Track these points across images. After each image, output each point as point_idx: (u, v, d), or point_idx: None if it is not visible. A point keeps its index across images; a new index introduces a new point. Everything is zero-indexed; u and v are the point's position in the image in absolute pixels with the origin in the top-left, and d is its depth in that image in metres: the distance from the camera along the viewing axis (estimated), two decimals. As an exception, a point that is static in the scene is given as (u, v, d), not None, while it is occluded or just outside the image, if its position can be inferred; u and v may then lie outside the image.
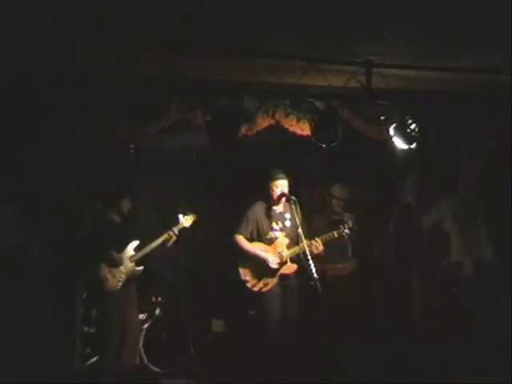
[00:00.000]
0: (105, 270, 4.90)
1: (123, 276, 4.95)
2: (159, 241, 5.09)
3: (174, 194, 6.50)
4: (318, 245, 4.88)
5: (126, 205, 5.10)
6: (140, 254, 5.06)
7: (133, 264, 5.03)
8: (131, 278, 5.04)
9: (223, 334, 6.31)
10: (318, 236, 4.94)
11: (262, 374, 4.90)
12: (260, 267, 4.97)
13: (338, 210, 5.71)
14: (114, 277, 4.92)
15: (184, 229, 5.20)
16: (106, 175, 5.45)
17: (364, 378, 4.75)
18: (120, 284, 4.93)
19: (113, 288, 4.90)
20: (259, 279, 4.97)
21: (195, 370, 5.58)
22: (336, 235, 5.03)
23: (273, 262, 4.93)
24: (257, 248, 5.01)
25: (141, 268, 5.09)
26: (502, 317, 5.09)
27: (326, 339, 5.44)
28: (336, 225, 5.16)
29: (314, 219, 5.54)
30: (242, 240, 5.03)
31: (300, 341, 5.12)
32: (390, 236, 5.89)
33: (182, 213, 5.25)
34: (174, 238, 5.10)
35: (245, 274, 5.01)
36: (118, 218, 5.10)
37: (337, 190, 5.74)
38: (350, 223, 5.06)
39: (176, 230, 5.12)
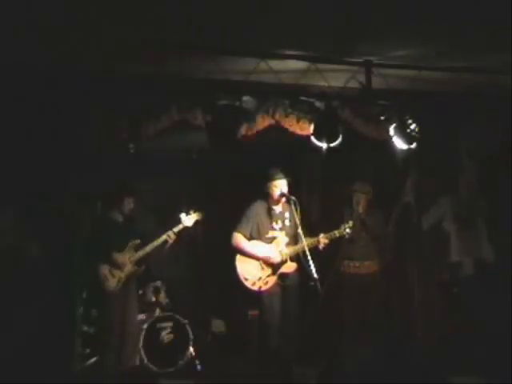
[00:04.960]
0: (105, 270, 4.90)
1: (123, 276, 4.95)
2: (160, 240, 5.09)
3: (175, 194, 6.50)
4: (325, 240, 4.92)
5: (128, 205, 5.10)
6: (140, 254, 5.06)
7: (133, 264, 5.03)
8: (131, 277, 5.04)
9: (223, 334, 6.31)
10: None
11: (261, 374, 4.91)
12: (259, 266, 4.98)
13: (359, 206, 5.56)
14: (114, 276, 4.92)
15: (185, 228, 5.21)
16: (108, 175, 5.46)
17: (363, 378, 4.74)
18: (120, 284, 4.93)
19: (112, 288, 4.90)
20: (259, 277, 4.98)
21: (195, 369, 5.58)
22: (337, 234, 5.06)
23: (274, 258, 4.95)
24: (256, 246, 5.01)
25: (141, 268, 5.09)
26: (502, 317, 5.08)
27: (328, 338, 5.45)
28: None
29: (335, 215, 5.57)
30: (240, 238, 5.04)
31: (300, 340, 5.13)
32: (389, 236, 5.88)
33: (184, 212, 5.25)
34: (174, 237, 5.11)
35: (244, 273, 5.02)
36: (120, 218, 5.10)
37: (358, 185, 5.64)
38: (351, 223, 5.07)
39: (176, 229, 5.13)
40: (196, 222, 5.31)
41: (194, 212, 5.27)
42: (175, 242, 5.15)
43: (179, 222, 5.19)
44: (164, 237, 5.08)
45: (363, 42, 4.03)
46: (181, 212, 5.25)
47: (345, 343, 5.37)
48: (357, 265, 5.55)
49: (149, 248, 5.06)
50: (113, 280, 4.90)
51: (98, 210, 5.74)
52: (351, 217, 5.37)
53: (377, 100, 4.85)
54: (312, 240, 4.88)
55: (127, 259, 5.00)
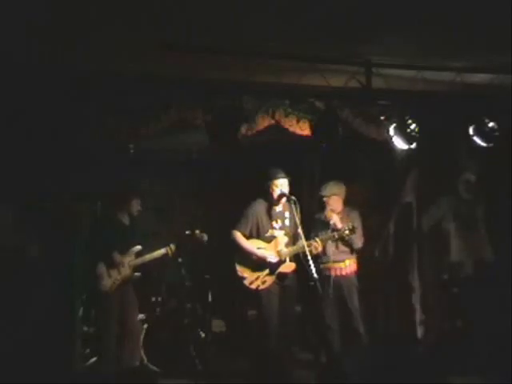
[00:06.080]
0: (102, 269, 4.89)
1: (119, 278, 4.95)
2: (159, 252, 5.13)
3: (175, 195, 6.52)
4: (318, 245, 4.89)
5: (136, 206, 5.10)
6: (139, 261, 5.08)
7: (131, 268, 5.03)
8: (127, 281, 5.03)
9: (223, 334, 6.31)
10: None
11: (261, 374, 4.90)
12: (258, 264, 4.97)
13: (325, 211, 5.31)
14: (110, 277, 4.91)
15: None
16: (108, 175, 5.46)
17: (363, 378, 4.74)
18: (114, 285, 4.92)
19: (107, 288, 4.89)
20: (257, 276, 4.96)
21: (195, 369, 5.58)
22: (336, 236, 5.03)
23: (272, 258, 4.93)
24: (255, 245, 5.00)
25: (137, 274, 5.11)
26: (502, 317, 5.09)
27: (326, 339, 5.44)
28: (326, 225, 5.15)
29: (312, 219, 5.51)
30: (239, 237, 5.02)
31: (299, 340, 5.13)
32: (389, 236, 5.88)
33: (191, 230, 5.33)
34: (173, 251, 5.18)
35: (242, 271, 5.01)
36: (127, 220, 5.10)
37: (324, 188, 5.36)
38: (350, 225, 5.04)
39: (175, 245, 5.19)
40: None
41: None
42: (174, 255, 5.21)
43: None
44: (163, 250, 5.14)
45: (363, 42, 4.03)
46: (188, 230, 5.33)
47: (344, 343, 5.36)
48: (336, 266, 5.37)
49: (148, 258, 5.10)
50: (108, 280, 4.89)
51: (99, 209, 5.75)
52: (317, 224, 5.29)
53: (377, 100, 4.86)
54: (310, 241, 4.86)
55: (126, 262, 5.00)
